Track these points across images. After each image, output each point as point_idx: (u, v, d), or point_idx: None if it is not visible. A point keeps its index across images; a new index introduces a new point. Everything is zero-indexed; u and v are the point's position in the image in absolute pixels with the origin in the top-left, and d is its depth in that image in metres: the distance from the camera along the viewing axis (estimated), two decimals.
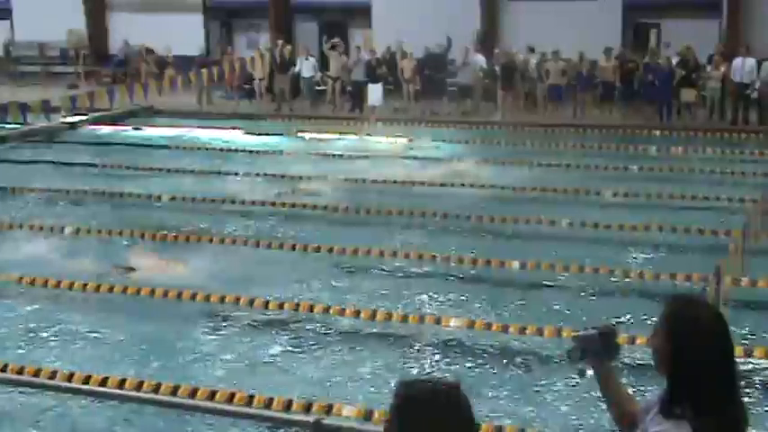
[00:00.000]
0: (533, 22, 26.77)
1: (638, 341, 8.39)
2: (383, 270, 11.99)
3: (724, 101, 22.79)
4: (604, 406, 3.79)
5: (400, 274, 11.84)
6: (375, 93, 25.75)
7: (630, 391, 3.76)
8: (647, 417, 3.36)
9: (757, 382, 8.55)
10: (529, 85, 24.69)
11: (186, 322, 10.22)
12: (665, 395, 3.32)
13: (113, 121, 25.05)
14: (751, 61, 22.24)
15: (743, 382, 8.26)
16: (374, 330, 9.87)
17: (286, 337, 9.80)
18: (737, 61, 22.32)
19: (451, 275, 11.74)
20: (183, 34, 30.38)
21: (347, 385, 8.59)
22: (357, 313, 9.99)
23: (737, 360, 8.15)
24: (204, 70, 26.37)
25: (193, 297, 10.57)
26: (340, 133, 22.82)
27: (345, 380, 8.72)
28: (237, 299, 10.43)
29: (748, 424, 3.37)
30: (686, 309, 3.36)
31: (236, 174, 17.96)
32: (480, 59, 24.98)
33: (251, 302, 10.36)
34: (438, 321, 9.76)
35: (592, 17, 26.33)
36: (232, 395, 7.91)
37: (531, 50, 24.53)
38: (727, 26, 26.01)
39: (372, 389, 8.48)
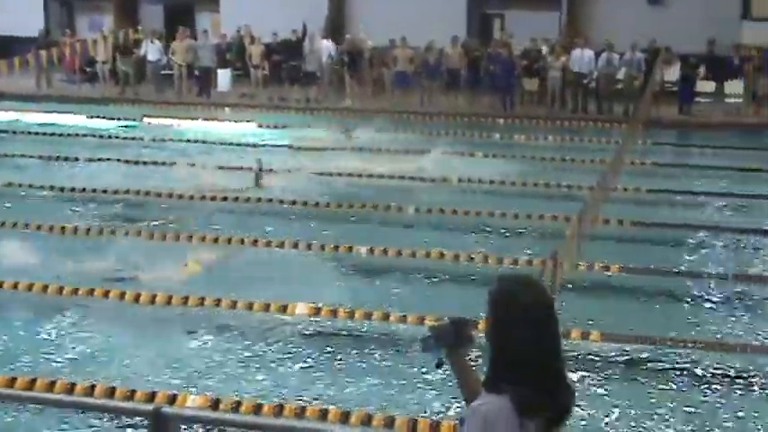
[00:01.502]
0: (381, 9, 26.87)
1: (480, 325, 8.53)
2: (231, 258, 11.81)
3: (564, 90, 23.48)
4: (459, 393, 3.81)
5: (246, 262, 11.69)
6: (223, 78, 25.43)
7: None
8: None
9: (594, 363, 8.82)
10: (376, 71, 24.82)
11: (18, 312, 9.81)
12: (488, 370, 3.37)
13: None
14: (589, 52, 22.99)
15: (579, 364, 8.56)
16: (221, 319, 9.72)
17: (130, 326, 9.53)
18: (576, 52, 23.03)
19: (298, 261, 11.67)
20: (21, 14, 29.16)
21: (193, 374, 8.43)
22: (201, 301, 9.82)
23: (574, 341, 8.43)
24: (43, 52, 25.43)
25: (29, 287, 10.17)
26: (186, 119, 22.40)
27: (191, 369, 8.56)
28: (76, 290, 10.09)
29: (574, 400, 3.44)
30: (508, 286, 3.42)
31: (77, 159, 17.40)
32: (328, 46, 24.94)
33: (91, 292, 10.04)
34: (284, 309, 9.68)
35: (438, 6, 26.62)
36: (72, 385, 7.67)
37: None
38: (566, 18, 26.79)
39: (219, 378, 8.36)
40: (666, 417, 7.79)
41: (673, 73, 23.35)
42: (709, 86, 23.03)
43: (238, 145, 19.30)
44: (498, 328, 3.35)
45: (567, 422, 3.45)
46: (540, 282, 3.50)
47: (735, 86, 22.77)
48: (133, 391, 7.58)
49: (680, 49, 23.40)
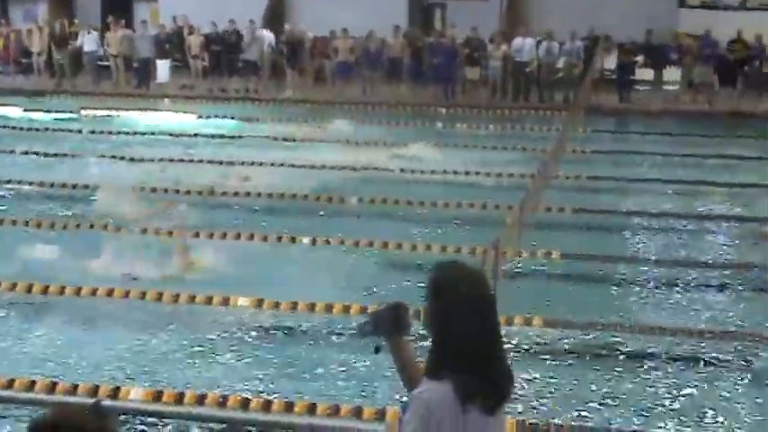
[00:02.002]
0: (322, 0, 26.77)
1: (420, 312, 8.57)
2: (167, 248, 11.70)
3: (505, 79, 23.62)
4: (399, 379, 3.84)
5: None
6: (162, 69, 25.19)
7: None
8: None
9: (536, 349, 8.94)
10: (317, 62, 24.76)
11: None
12: (429, 357, 3.41)
13: None
14: (530, 41, 23.16)
15: (522, 350, 8.67)
16: (163, 311, 9.65)
17: (71, 320, 9.43)
18: (517, 41, 23.19)
19: (240, 253, 11.61)
20: None
21: (137, 367, 8.37)
22: (143, 295, 9.74)
23: (517, 327, 8.50)
24: None
25: None
26: (125, 110, 22.17)
27: (135, 362, 8.50)
28: (14, 285, 9.95)
29: (512, 384, 3.50)
30: (446, 273, 3.47)
31: (13, 152, 17.13)
32: (268, 36, 24.81)
33: (29, 288, 9.90)
34: (226, 302, 9.65)
35: None
36: (11, 381, 7.56)
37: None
38: (507, 7, 26.94)
39: (163, 370, 8.32)
40: (608, 401, 7.91)
41: (612, 61, 23.65)
42: (648, 74, 23.39)
43: (179, 136, 19.17)
44: (439, 317, 3.39)
45: (507, 406, 3.50)
46: (479, 269, 3.53)
47: (672, 74, 23.13)
48: (75, 386, 7.51)
49: (619, 38, 23.71)
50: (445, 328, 3.37)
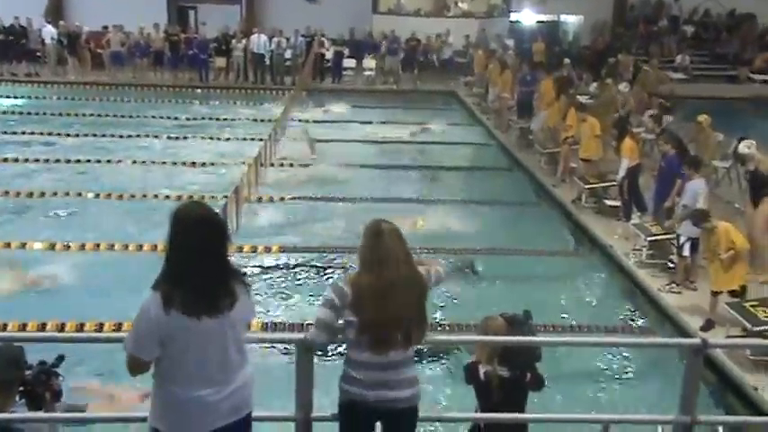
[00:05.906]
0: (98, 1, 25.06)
1: None
2: None
3: (247, 66, 23.32)
4: None
5: None
6: None
7: None
8: None
9: (274, 268, 9.16)
10: (94, 51, 23.28)
11: None
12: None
13: None
14: (264, 37, 23.01)
15: (265, 269, 8.82)
16: None
17: None
18: (254, 37, 22.98)
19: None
20: None
21: None
22: None
23: (260, 254, 8.56)
24: None
25: None
26: None
27: None
28: None
29: (230, 296, 3.36)
30: (181, 208, 3.43)
31: None
32: (51, 30, 23.01)
33: None
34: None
35: None
36: None
37: None
38: (246, 10, 26.57)
39: None
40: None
41: (327, 53, 23.93)
42: (352, 63, 23.90)
43: None
44: (168, 239, 3.36)
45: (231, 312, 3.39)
46: (209, 207, 3.51)
47: (369, 63, 23.79)
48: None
49: (330, 35, 24.09)
50: (169, 248, 3.35)
